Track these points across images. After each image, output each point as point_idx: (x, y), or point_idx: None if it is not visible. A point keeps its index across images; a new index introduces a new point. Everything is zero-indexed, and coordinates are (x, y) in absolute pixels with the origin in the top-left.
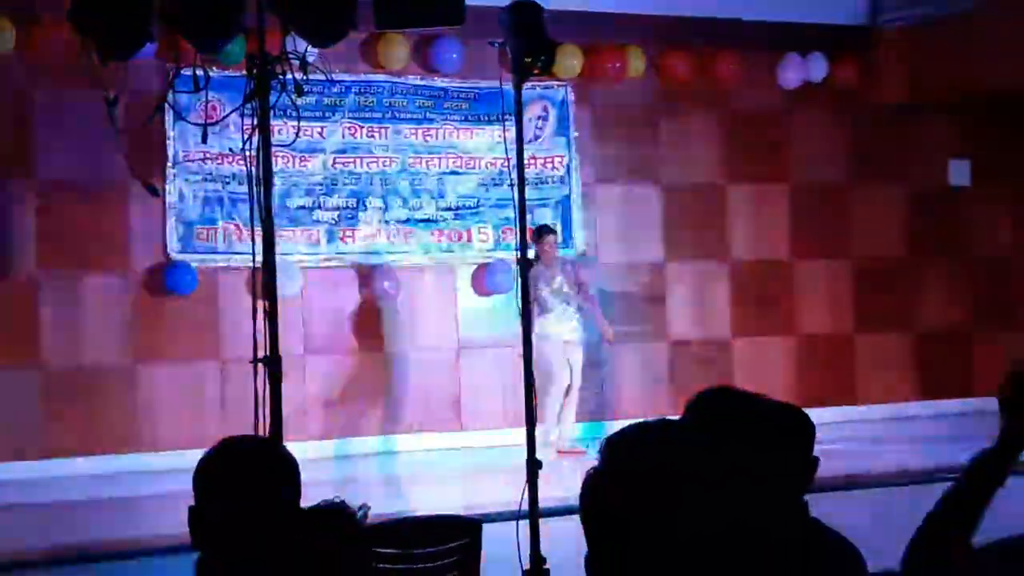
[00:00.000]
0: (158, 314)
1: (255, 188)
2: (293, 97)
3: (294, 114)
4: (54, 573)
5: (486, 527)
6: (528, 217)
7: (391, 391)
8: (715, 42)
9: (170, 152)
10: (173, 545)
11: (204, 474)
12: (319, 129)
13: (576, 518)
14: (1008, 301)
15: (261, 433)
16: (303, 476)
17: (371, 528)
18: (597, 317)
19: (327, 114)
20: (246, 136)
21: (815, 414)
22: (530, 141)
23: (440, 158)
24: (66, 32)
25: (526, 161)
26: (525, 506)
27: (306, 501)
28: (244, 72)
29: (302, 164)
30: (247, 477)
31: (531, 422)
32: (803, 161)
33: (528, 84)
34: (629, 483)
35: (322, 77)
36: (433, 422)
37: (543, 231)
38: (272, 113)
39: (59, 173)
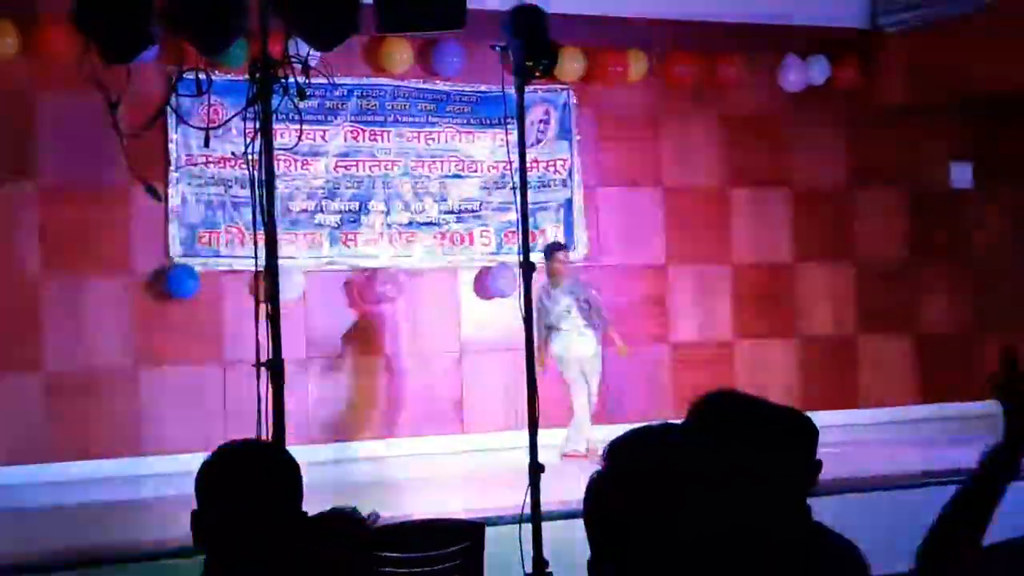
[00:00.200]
0: (160, 318)
1: (257, 192)
2: (295, 101)
3: (296, 118)
4: None
5: (488, 530)
6: (530, 220)
7: (393, 394)
8: (717, 45)
9: (172, 156)
10: (176, 549)
11: (206, 478)
12: (321, 133)
13: (579, 521)
14: (1010, 303)
15: (263, 437)
16: (305, 480)
17: (374, 532)
18: (610, 333)
19: (329, 118)
20: (248, 140)
21: (817, 417)
22: (532, 144)
23: (442, 161)
24: (68, 35)
25: (528, 164)
26: (527, 509)
27: (309, 505)
28: (246, 76)
29: (304, 168)
30: (249, 481)
31: (533, 425)
32: (805, 164)
33: (530, 87)
34: (632, 486)
35: (324, 81)
36: (435, 425)
37: (553, 248)
38: (274, 117)
39: (61, 176)
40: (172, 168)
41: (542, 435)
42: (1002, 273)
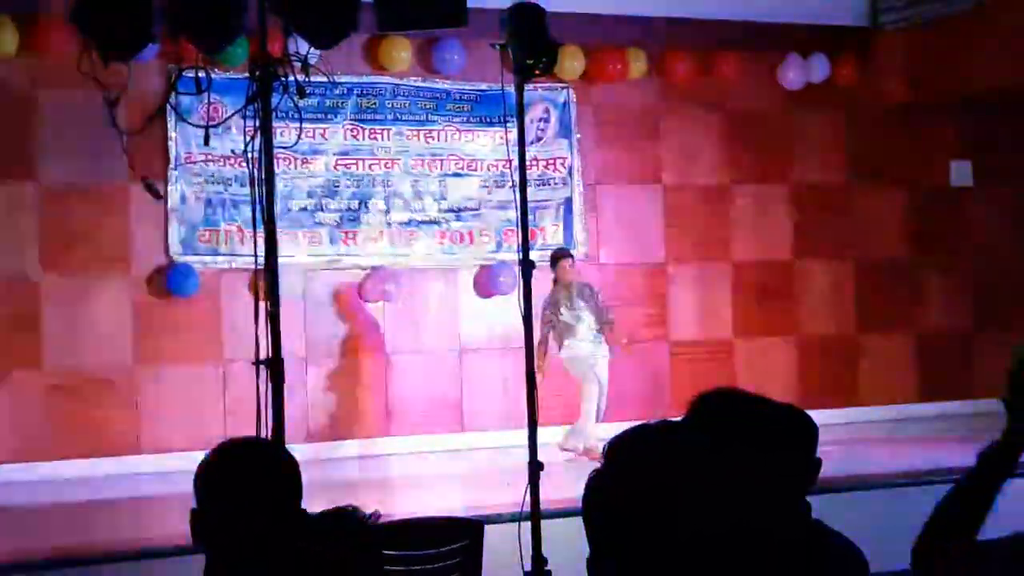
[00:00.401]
0: (160, 316)
1: (257, 190)
2: (295, 99)
3: (296, 116)
4: (56, 575)
5: (488, 529)
6: (530, 219)
7: (393, 393)
8: (716, 43)
9: (172, 154)
10: (176, 547)
11: (205, 476)
12: (321, 131)
13: (578, 519)
14: (1010, 302)
15: (263, 435)
16: (305, 478)
17: (375, 531)
18: (616, 335)
19: (329, 116)
20: (248, 138)
21: (817, 415)
22: (532, 143)
23: (442, 160)
24: (68, 35)
25: (528, 163)
26: (527, 507)
27: (309, 504)
28: (246, 74)
29: (304, 166)
30: (248, 479)
31: (533, 424)
32: (804, 162)
33: (530, 86)
34: (631, 484)
35: (324, 79)
36: (435, 424)
37: (559, 255)
38: (274, 115)
39: (61, 175)
40: (172, 166)
41: (541, 434)
42: (1002, 272)
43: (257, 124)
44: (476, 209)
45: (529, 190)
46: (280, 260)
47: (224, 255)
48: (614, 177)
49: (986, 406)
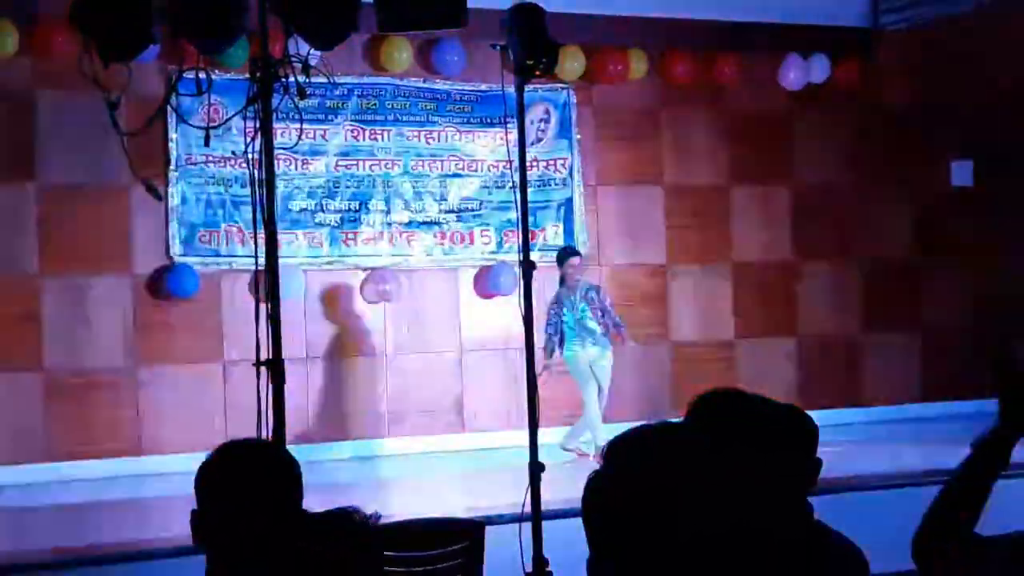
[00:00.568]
0: (160, 317)
1: (257, 191)
2: (295, 100)
3: (296, 117)
4: None
5: (488, 529)
6: (530, 219)
7: (393, 393)
8: (717, 44)
9: (172, 155)
10: (176, 548)
11: (205, 477)
12: (321, 132)
13: (578, 520)
14: (1012, 303)
15: (264, 436)
16: (305, 479)
17: (376, 532)
18: (621, 336)
19: (329, 117)
20: (248, 139)
21: (819, 416)
22: (532, 143)
23: (442, 160)
24: (68, 35)
25: (528, 163)
26: (528, 508)
27: (310, 504)
28: (247, 75)
29: (304, 167)
30: (248, 480)
31: (533, 424)
32: (805, 162)
33: (530, 86)
34: (631, 485)
35: (324, 80)
36: (435, 424)
37: (565, 254)
38: (274, 116)
39: (61, 176)
40: (172, 167)
41: (542, 434)
42: (1003, 272)
43: (257, 125)
44: (476, 210)
45: (529, 191)
46: (280, 261)
47: (224, 256)
48: (614, 178)
49: (990, 406)
